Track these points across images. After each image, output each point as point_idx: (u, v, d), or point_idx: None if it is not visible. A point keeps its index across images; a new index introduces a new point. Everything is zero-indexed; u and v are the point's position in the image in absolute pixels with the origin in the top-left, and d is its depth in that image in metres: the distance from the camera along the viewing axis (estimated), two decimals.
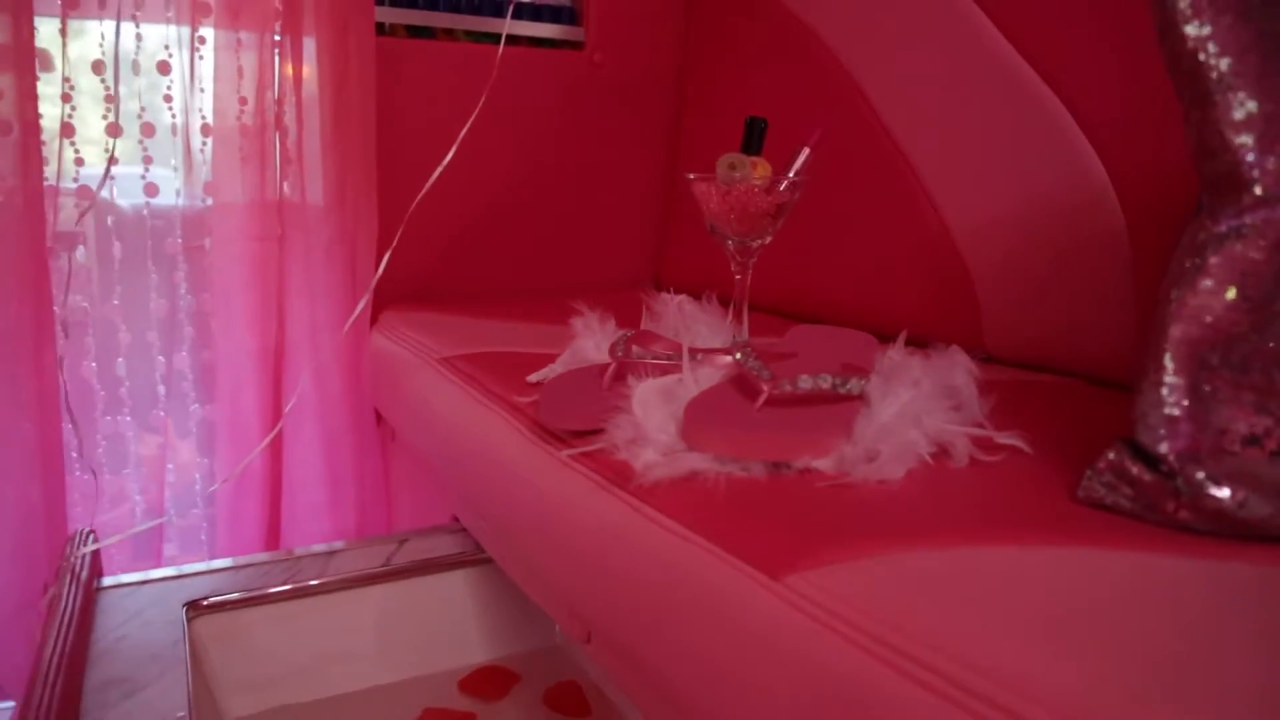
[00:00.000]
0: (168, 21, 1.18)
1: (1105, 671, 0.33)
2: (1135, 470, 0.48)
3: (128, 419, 1.23)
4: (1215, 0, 0.46)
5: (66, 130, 1.14)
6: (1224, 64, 0.46)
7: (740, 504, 0.51)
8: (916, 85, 1.01)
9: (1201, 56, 0.47)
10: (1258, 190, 0.44)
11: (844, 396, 0.59)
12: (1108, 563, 0.43)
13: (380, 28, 1.25)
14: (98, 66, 1.17)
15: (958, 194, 0.95)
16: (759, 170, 0.77)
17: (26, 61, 1.05)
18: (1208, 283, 0.46)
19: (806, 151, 0.79)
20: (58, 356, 1.10)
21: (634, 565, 0.54)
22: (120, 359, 1.23)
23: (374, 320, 1.24)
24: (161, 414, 1.25)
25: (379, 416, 1.26)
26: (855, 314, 1.03)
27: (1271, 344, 0.44)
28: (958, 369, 0.62)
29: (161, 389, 1.25)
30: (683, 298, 0.87)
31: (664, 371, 0.66)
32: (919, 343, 0.69)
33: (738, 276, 0.81)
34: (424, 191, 1.13)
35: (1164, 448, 0.46)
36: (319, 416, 1.22)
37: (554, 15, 1.37)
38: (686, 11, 1.43)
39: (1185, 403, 0.46)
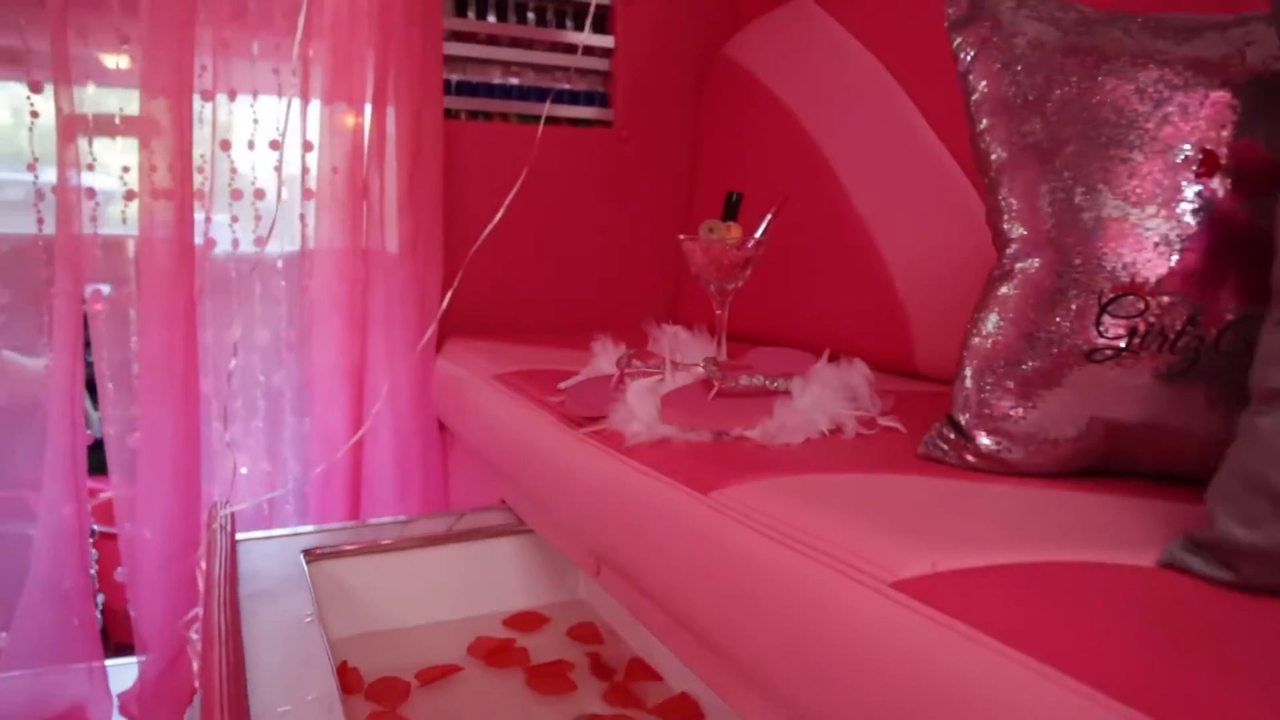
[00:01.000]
0: (280, 94, 1.47)
1: (879, 530, 0.58)
2: (948, 433, 0.73)
3: (240, 426, 1.52)
4: (993, 129, 0.73)
5: (199, 195, 1.44)
6: (994, 169, 0.72)
7: (691, 455, 0.77)
8: (868, 158, 1.28)
9: (985, 161, 0.73)
10: (1010, 250, 0.70)
11: (773, 391, 0.85)
12: (911, 482, 0.68)
13: (448, 113, 1.55)
14: (225, 145, 1.48)
15: (895, 241, 1.21)
16: (732, 233, 1.03)
17: (184, 138, 1.36)
18: (987, 309, 0.71)
19: (770, 217, 1.06)
20: (198, 376, 1.39)
21: (621, 503, 0.80)
22: (235, 379, 1.52)
23: (439, 348, 1.52)
24: (260, 425, 1.54)
25: (442, 426, 1.53)
26: (812, 338, 1.28)
27: (1018, 353, 0.69)
28: (856, 374, 0.87)
29: (262, 404, 1.54)
30: (678, 328, 1.13)
31: (652, 375, 0.92)
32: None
33: (718, 312, 1.07)
34: (478, 244, 1.41)
35: (963, 418, 0.72)
36: (393, 425, 1.50)
37: (589, 100, 1.67)
38: (697, 98, 1.71)
39: (974, 389, 0.71)
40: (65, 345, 1.32)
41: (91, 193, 1.36)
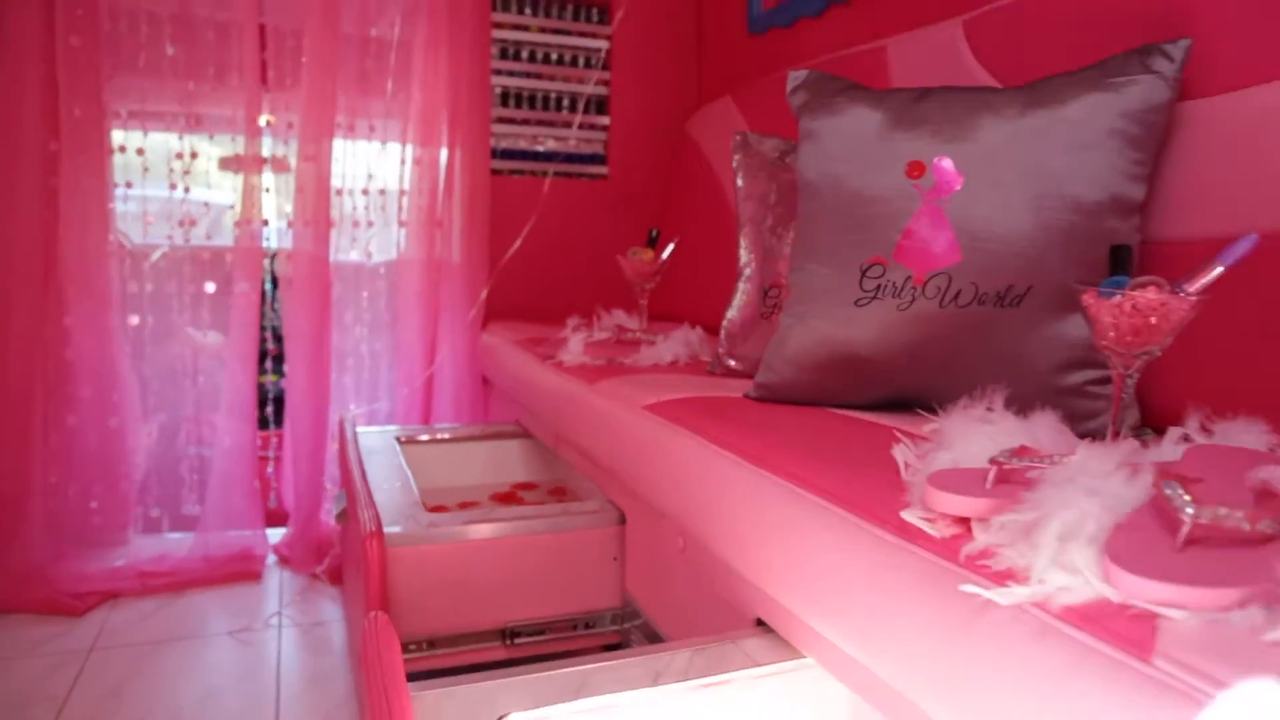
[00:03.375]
0: (383, 141, 2.25)
1: (645, 389, 1.30)
2: (717, 361, 1.45)
3: (351, 376, 2.30)
4: (741, 207, 1.44)
5: (332, 223, 2.22)
6: (741, 226, 1.43)
7: (593, 369, 1.50)
8: None
9: (738, 222, 1.44)
10: (740, 264, 1.41)
11: (643, 342, 1.58)
12: (687, 378, 1.39)
13: (494, 170, 2.31)
14: (339, 192, 2.25)
15: None
16: (647, 255, 1.77)
17: (323, 187, 2.14)
18: (731, 300, 1.43)
19: (672, 246, 1.79)
20: (330, 342, 2.18)
21: (560, 397, 1.53)
22: (350, 344, 2.30)
23: (484, 327, 2.28)
24: (366, 374, 2.31)
25: (485, 380, 2.29)
26: (710, 317, 1.98)
27: (742, 319, 1.39)
28: (694, 335, 1.60)
29: (367, 361, 2.31)
30: (619, 311, 1.87)
31: (584, 332, 1.66)
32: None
33: (641, 301, 1.81)
34: (506, 257, 2.16)
35: (721, 351, 1.43)
36: (452, 378, 2.26)
37: (592, 160, 2.41)
38: (669, 159, 2.45)
39: (725, 339, 1.42)
40: (246, 324, 2.10)
41: (264, 221, 2.15)
